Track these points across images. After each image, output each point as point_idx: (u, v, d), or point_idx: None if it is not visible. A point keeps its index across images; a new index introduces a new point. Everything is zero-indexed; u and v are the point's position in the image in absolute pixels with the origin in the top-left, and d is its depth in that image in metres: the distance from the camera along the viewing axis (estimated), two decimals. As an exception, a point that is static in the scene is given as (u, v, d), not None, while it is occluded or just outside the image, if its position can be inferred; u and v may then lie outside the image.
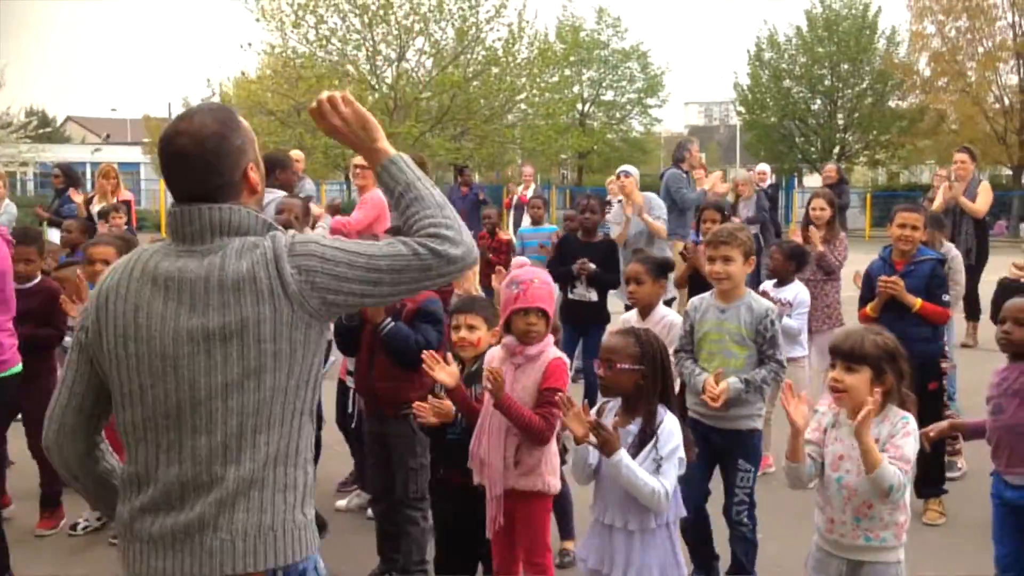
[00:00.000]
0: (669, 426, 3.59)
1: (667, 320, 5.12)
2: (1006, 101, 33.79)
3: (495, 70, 31.87)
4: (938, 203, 10.09)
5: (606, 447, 3.49)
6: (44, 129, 44.37)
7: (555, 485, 4.09)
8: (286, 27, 30.69)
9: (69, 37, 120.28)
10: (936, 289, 5.83)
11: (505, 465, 3.99)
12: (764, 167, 14.65)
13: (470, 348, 4.26)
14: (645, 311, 5.21)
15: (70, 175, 11.50)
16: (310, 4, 30.28)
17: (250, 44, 32.07)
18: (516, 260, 4.38)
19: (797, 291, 6.74)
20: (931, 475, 5.97)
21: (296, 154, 11.58)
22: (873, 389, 3.38)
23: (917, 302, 5.76)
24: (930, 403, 5.76)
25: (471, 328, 4.25)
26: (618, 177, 9.31)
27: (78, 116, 67.78)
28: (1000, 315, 4.27)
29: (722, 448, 4.70)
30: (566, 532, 5.20)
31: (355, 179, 8.92)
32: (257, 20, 30.55)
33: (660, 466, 3.52)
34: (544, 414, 3.92)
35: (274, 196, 6.48)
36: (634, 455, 3.55)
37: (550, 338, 4.12)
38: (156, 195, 38.88)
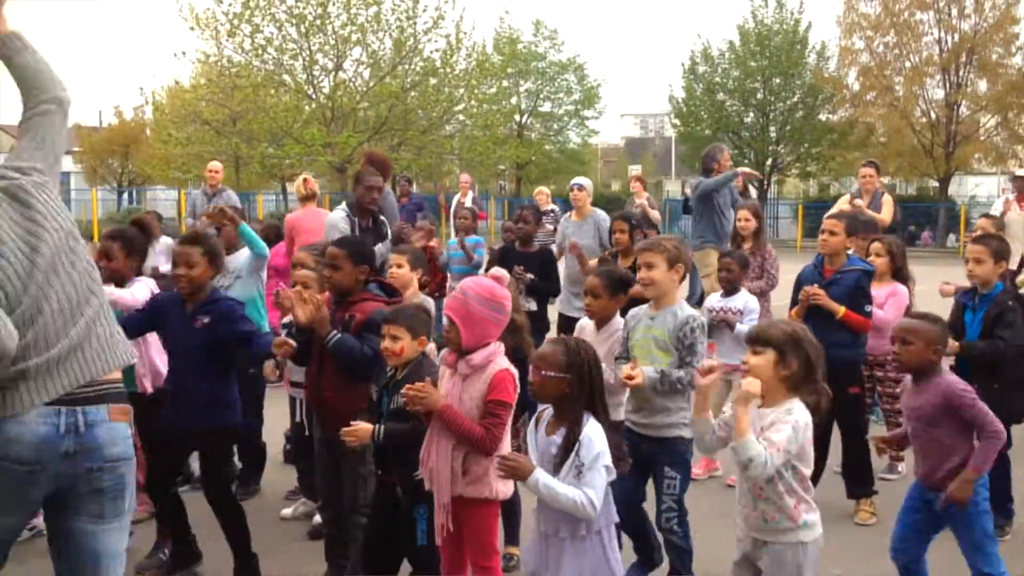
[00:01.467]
0: (591, 433, 3.61)
1: (620, 334, 5.15)
2: (932, 115, 34.71)
3: (433, 81, 31.88)
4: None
5: (517, 475, 3.59)
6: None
7: (503, 491, 4.12)
8: (221, 36, 30.38)
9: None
10: (860, 299, 6.01)
11: (453, 473, 4.01)
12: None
13: (393, 357, 4.31)
14: (600, 323, 5.24)
15: None
16: (245, 13, 30.00)
17: (184, 53, 31.41)
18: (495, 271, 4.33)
19: (746, 299, 6.93)
20: (857, 476, 6.17)
21: (213, 165, 11.54)
22: (777, 370, 3.65)
23: (840, 310, 5.93)
24: (851, 407, 5.97)
25: (394, 338, 4.28)
26: (572, 190, 9.31)
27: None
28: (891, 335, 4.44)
29: (650, 456, 4.77)
30: (512, 537, 5.23)
31: (297, 191, 8.90)
32: (192, 29, 30.23)
33: (582, 474, 3.56)
34: (487, 425, 3.94)
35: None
36: (560, 463, 3.60)
37: (497, 348, 4.08)
38: (87, 205, 38.18)
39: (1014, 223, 12.21)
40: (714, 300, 7.04)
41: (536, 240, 8.73)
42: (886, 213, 10.49)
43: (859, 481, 6.17)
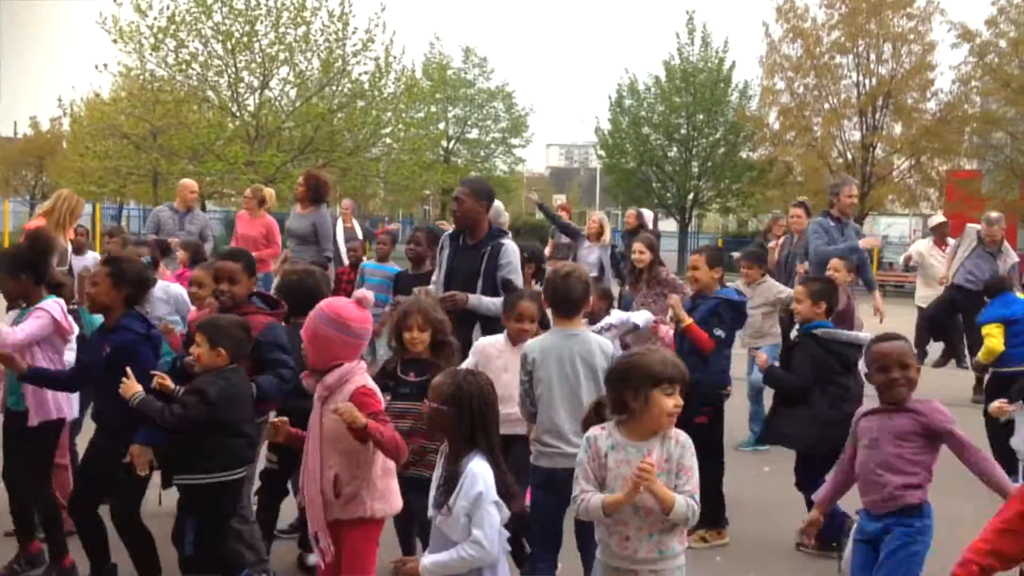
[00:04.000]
0: (474, 470, 3.51)
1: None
2: (849, 156, 35.62)
3: (360, 103, 31.76)
4: (774, 258, 10.59)
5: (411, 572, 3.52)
6: None
7: (379, 509, 4.07)
8: (145, 50, 29.87)
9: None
10: (711, 320, 6.28)
11: (325, 498, 3.97)
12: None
13: (197, 362, 4.52)
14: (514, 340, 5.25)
15: None
16: (171, 28, 29.56)
17: (106, 65, 30.80)
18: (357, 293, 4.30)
19: (619, 316, 7.34)
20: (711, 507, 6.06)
21: (189, 183, 10.98)
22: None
23: (687, 320, 6.27)
24: (698, 435, 5.92)
25: (198, 344, 4.49)
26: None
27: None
28: (878, 363, 4.38)
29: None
30: (407, 549, 5.05)
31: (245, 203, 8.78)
32: (114, 41, 29.64)
33: (471, 516, 3.47)
34: (382, 428, 3.89)
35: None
36: (443, 501, 3.53)
37: (353, 367, 4.04)
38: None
39: (932, 267, 12.58)
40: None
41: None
42: None
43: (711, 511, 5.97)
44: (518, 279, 6.41)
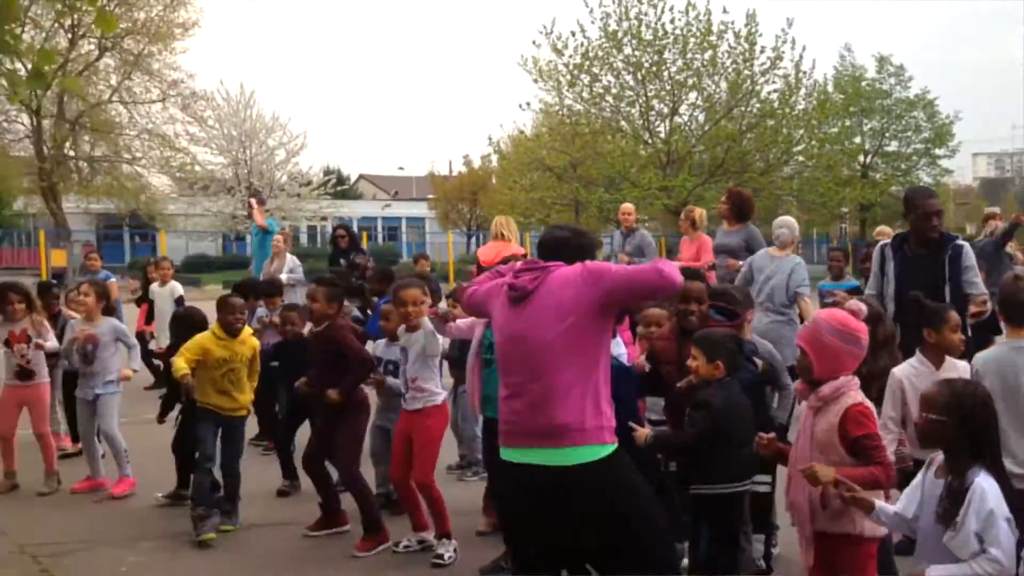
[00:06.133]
0: (983, 486, 3.33)
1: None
2: None
3: (770, 122, 31.43)
4: None
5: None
6: (340, 187, 47.86)
7: (868, 529, 3.88)
8: (562, 86, 31.76)
9: (362, 102, 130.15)
10: None
11: (812, 507, 3.93)
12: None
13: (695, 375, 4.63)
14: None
15: (352, 235, 12.37)
16: (585, 64, 31.17)
17: (528, 104, 33.20)
18: None
19: None
20: None
21: (626, 207, 11.81)
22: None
23: None
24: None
25: (694, 358, 4.60)
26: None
27: (369, 174, 72.74)
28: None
29: None
30: None
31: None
32: (535, 81, 31.85)
33: (982, 534, 3.28)
34: (875, 460, 3.81)
35: None
36: (949, 517, 3.34)
37: (850, 381, 3.94)
38: (443, 247, 41.07)
39: None
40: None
41: None
42: None
43: None
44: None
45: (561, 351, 3.56)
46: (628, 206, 11.82)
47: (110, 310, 7.59)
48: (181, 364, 5.93)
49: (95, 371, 6.97)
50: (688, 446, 4.52)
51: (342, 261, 11.63)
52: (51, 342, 7.25)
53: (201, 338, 6.13)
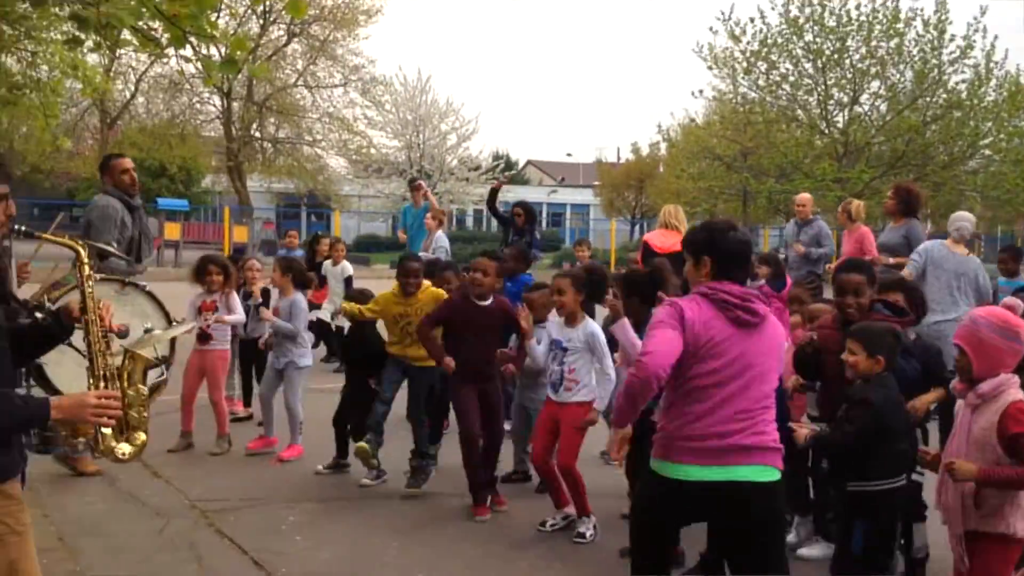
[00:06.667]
0: None
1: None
2: None
3: (957, 114, 29.96)
4: None
5: None
6: (508, 172, 48.46)
7: (1022, 529, 3.82)
8: (737, 74, 31.19)
9: (533, 88, 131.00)
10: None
11: (964, 505, 3.87)
12: None
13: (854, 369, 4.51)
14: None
15: (530, 212, 12.43)
16: (763, 51, 30.50)
17: (701, 91, 32.74)
18: None
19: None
20: None
21: (802, 197, 11.51)
22: None
23: None
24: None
25: (853, 352, 4.49)
26: None
27: (537, 160, 73.29)
28: None
29: None
30: None
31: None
32: (709, 68, 31.36)
33: None
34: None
35: None
36: None
37: (1010, 379, 3.83)
38: (606, 234, 41.07)
39: None
40: None
41: None
42: None
43: None
44: None
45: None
46: (805, 196, 11.52)
47: (304, 284, 8.01)
48: (355, 306, 6.81)
49: (287, 344, 7.48)
50: (848, 446, 4.42)
51: (516, 239, 11.65)
52: (233, 315, 7.77)
53: (381, 296, 6.83)
